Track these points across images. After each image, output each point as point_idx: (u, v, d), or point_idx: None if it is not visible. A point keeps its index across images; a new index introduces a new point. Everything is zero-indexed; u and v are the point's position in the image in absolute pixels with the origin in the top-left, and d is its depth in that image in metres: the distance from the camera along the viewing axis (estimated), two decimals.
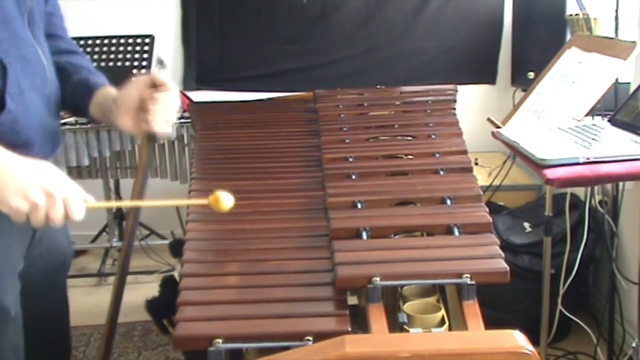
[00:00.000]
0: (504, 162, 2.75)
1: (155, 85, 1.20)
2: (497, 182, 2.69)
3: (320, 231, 1.26)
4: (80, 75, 1.31)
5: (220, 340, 0.95)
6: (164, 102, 1.20)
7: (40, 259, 1.26)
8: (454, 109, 1.79)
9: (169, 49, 3.43)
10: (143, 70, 3.16)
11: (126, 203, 1.25)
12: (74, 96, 1.29)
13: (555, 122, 1.75)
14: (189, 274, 1.15)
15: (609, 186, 2.37)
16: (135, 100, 1.21)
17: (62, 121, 2.88)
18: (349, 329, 0.98)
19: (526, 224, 2.57)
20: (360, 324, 1.13)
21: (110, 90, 1.29)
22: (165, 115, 1.21)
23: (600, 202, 2.40)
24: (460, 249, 1.14)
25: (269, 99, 2.06)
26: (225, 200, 1.18)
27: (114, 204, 1.14)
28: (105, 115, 1.26)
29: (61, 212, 0.99)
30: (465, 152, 1.53)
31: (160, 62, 1.22)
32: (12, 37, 1.10)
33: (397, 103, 1.87)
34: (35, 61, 1.16)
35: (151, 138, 1.24)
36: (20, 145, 1.04)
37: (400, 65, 3.44)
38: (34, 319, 1.26)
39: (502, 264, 1.08)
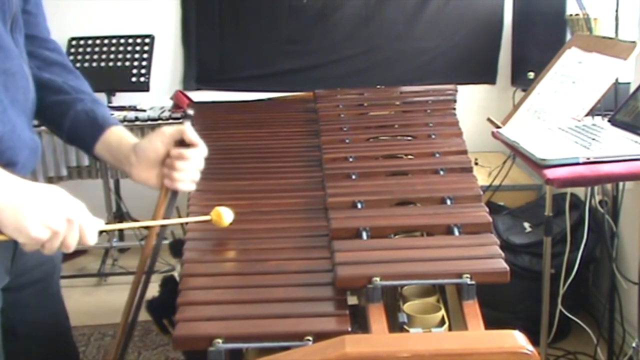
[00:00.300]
0: (504, 162, 2.75)
1: (183, 142, 1.14)
2: (497, 182, 2.69)
3: (320, 231, 1.26)
4: (84, 105, 1.19)
5: (220, 340, 0.95)
6: (193, 161, 1.15)
7: (30, 268, 1.18)
8: (454, 109, 1.79)
9: (169, 49, 3.44)
10: (142, 75, 3.16)
11: (132, 225, 1.21)
12: (76, 128, 1.18)
13: (555, 122, 1.75)
14: (189, 274, 1.15)
15: (609, 186, 2.37)
16: (162, 155, 1.14)
17: None
18: (349, 329, 0.98)
19: (526, 224, 2.57)
20: (360, 324, 1.13)
21: (123, 133, 1.19)
22: (193, 174, 1.16)
23: (600, 202, 2.40)
24: (460, 249, 1.14)
25: (269, 99, 2.06)
26: (226, 216, 1.22)
27: (121, 226, 1.09)
28: (118, 160, 1.17)
29: (76, 238, 0.97)
30: (465, 152, 1.53)
31: (187, 116, 1.17)
32: (0, 49, 1.01)
33: (397, 103, 1.87)
34: (20, 74, 1.05)
35: (173, 195, 1.18)
36: (2, 166, 0.96)
37: (400, 65, 3.44)
38: (34, 330, 1.21)
39: (502, 264, 1.08)
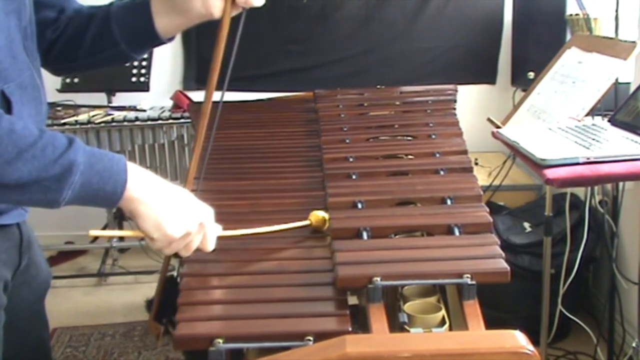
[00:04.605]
0: (504, 162, 2.76)
1: None
2: (497, 182, 2.69)
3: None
4: (115, 5, 1.13)
5: (221, 340, 0.95)
6: None
7: (27, 286, 1.15)
8: (454, 109, 1.79)
9: (169, 49, 3.43)
10: (142, 75, 3.15)
11: (245, 232, 1.20)
12: (125, 26, 1.12)
13: (555, 122, 1.75)
14: (189, 274, 1.15)
15: (609, 186, 2.37)
16: None
17: (62, 121, 2.89)
18: (350, 329, 0.98)
19: (526, 224, 2.57)
20: (360, 324, 1.13)
21: None
22: None
23: (600, 202, 2.40)
24: (461, 249, 1.14)
25: (269, 99, 2.06)
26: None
27: (237, 232, 1.08)
28: (184, 14, 1.12)
29: (199, 243, 1.00)
30: (465, 152, 1.53)
31: None
32: (15, 62, 0.97)
33: (397, 103, 1.87)
34: (31, 86, 1.01)
35: (239, 13, 1.12)
36: None
37: (400, 65, 3.45)
38: (20, 351, 1.16)
39: (502, 264, 1.08)
